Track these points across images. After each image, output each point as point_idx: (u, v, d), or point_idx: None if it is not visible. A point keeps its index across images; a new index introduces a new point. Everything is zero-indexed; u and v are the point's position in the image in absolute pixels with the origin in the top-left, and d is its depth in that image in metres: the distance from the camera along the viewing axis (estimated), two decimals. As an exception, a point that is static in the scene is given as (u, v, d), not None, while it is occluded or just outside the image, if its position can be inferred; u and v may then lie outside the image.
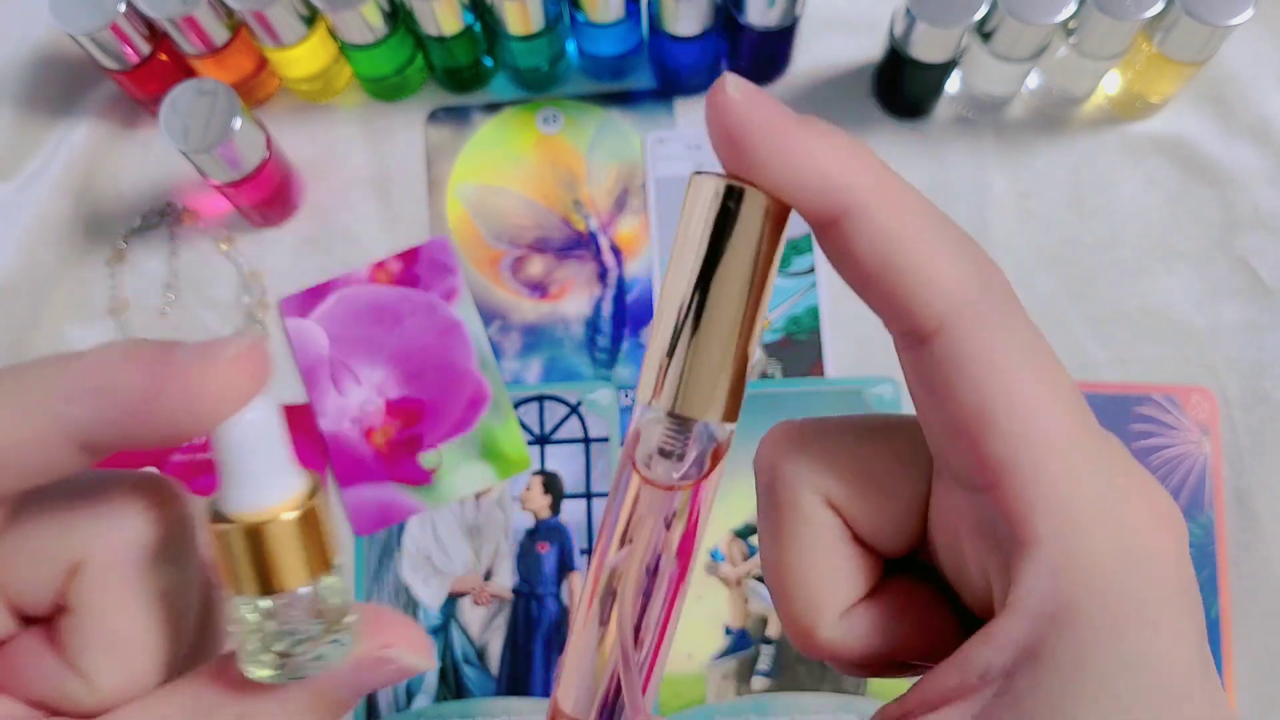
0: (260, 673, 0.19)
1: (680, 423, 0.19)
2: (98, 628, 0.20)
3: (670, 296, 0.18)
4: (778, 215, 0.18)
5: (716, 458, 0.20)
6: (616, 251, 0.56)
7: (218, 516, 0.18)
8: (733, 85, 0.18)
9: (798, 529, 0.21)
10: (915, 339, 0.19)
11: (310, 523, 0.19)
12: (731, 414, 0.19)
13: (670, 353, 0.18)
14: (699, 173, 0.19)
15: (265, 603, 0.18)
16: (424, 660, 0.21)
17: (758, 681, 0.51)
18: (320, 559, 0.19)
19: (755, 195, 0.18)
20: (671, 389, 0.18)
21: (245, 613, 0.19)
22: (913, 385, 0.20)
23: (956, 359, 0.18)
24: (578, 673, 0.20)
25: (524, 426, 0.54)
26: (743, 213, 0.18)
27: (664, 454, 0.19)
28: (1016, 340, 0.19)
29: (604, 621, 0.20)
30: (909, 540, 0.22)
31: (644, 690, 0.20)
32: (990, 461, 0.18)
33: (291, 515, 0.18)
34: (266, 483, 0.19)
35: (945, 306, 0.18)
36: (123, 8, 0.50)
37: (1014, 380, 0.18)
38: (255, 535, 0.18)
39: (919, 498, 0.21)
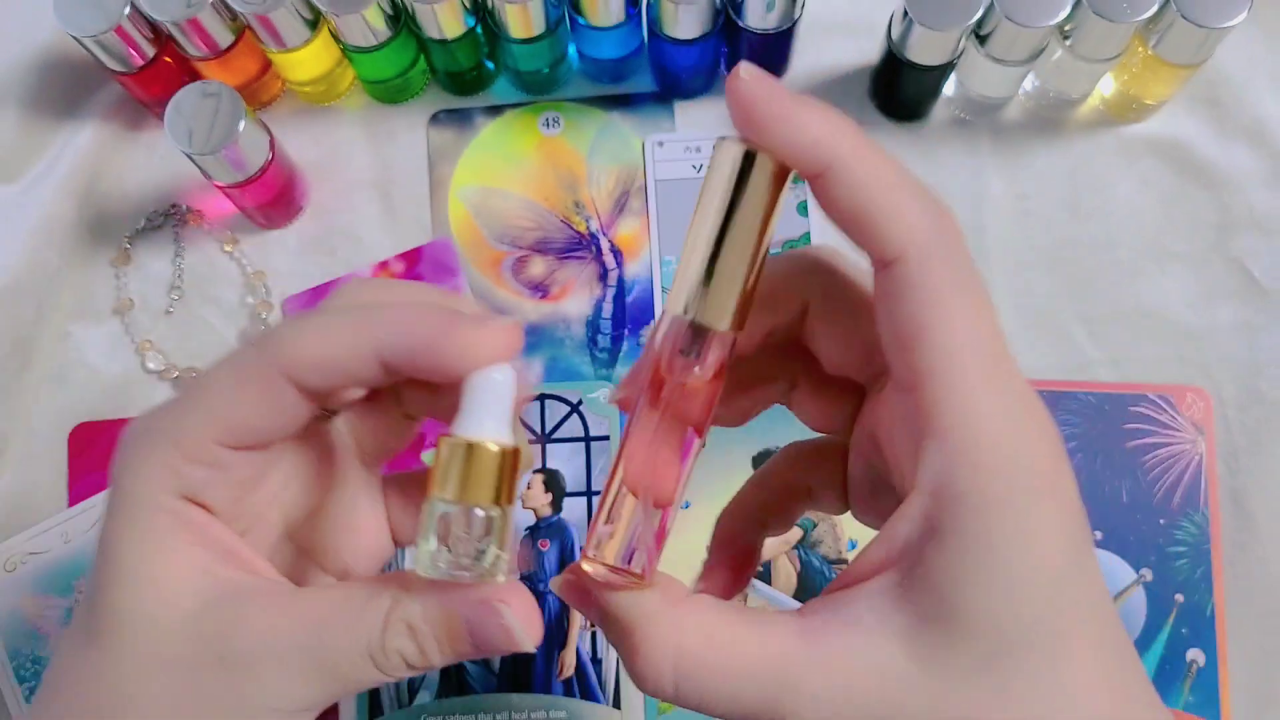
0: (423, 564, 0.24)
1: (700, 330, 0.24)
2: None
3: (698, 232, 0.23)
4: (779, 174, 0.23)
5: (722, 354, 0.24)
6: (617, 252, 0.57)
7: (447, 433, 0.24)
8: (745, 70, 0.23)
9: None
10: (880, 265, 0.24)
11: (506, 463, 0.24)
12: (739, 325, 0.24)
13: (699, 276, 0.23)
14: (723, 138, 0.24)
15: (453, 507, 0.24)
16: (528, 632, 0.26)
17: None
18: (505, 493, 0.24)
19: (764, 158, 0.23)
20: (695, 303, 0.23)
21: (437, 509, 0.24)
22: (877, 302, 0.24)
23: (906, 283, 0.23)
24: (602, 525, 0.25)
25: (525, 425, 0.54)
26: (754, 171, 0.23)
27: (684, 353, 0.24)
28: (956, 276, 0.23)
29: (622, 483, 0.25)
30: None
31: (660, 538, 0.26)
32: (916, 366, 0.23)
33: (495, 448, 0.24)
34: (489, 424, 0.24)
35: (903, 241, 0.23)
36: (127, 10, 0.50)
37: (947, 306, 0.23)
38: (466, 451, 0.24)
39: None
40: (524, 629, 0.26)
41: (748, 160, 0.23)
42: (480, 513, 0.24)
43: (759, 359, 0.29)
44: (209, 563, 0.26)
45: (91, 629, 0.25)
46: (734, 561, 0.32)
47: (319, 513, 0.30)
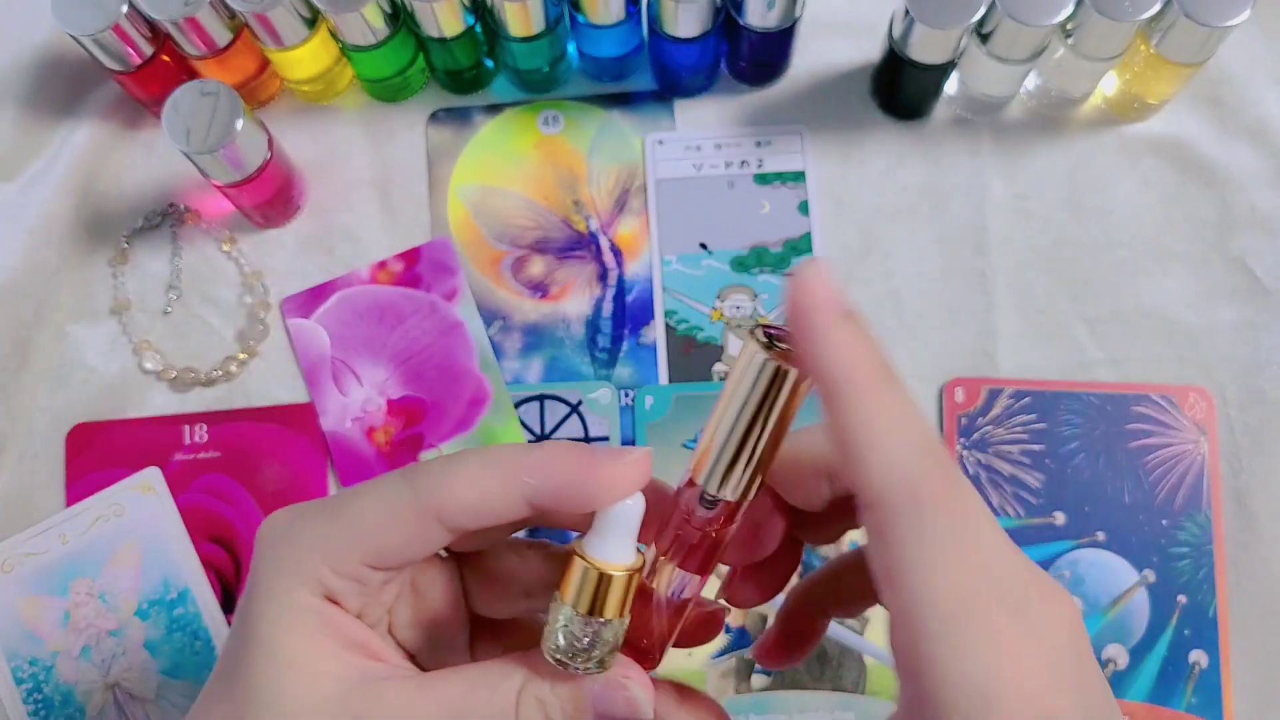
0: (552, 657, 0.27)
1: (714, 498, 0.28)
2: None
3: (722, 418, 0.27)
4: (802, 385, 0.26)
5: (733, 512, 0.28)
6: (617, 252, 0.57)
7: (580, 552, 0.28)
8: (810, 271, 0.25)
9: None
10: (860, 503, 0.25)
11: (627, 585, 0.28)
12: (746, 496, 0.28)
13: (717, 458, 0.27)
14: (759, 328, 0.26)
15: (579, 618, 0.27)
16: (646, 703, 0.29)
17: (757, 679, 0.51)
18: (620, 608, 0.28)
19: (791, 374, 0.25)
20: (715, 479, 0.27)
21: (564, 616, 0.27)
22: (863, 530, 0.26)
23: (876, 531, 0.24)
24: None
25: (525, 426, 0.54)
26: (780, 383, 0.26)
27: (702, 508, 0.28)
28: (932, 533, 0.24)
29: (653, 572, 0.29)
30: None
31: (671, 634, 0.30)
32: (892, 606, 0.24)
33: (622, 575, 0.27)
34: (619, 549, 0.28)
35: (879, 490, 0.24)
36: (125, 9, 0.50)
37: (915, 564, 0.24)
38: (598, 577, 0.27)
39: None
40: (646, 699, 0.29)
41: (777, 375, 0.25)
42: (604, 623, 0.28)
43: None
44: (347, 652, 0.28)
45: (234, 708, 0.28)
46: (794, 638, 0.35)
47: (421, 601, 0.32)
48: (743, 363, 0.26)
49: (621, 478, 0.28)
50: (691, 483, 0.28)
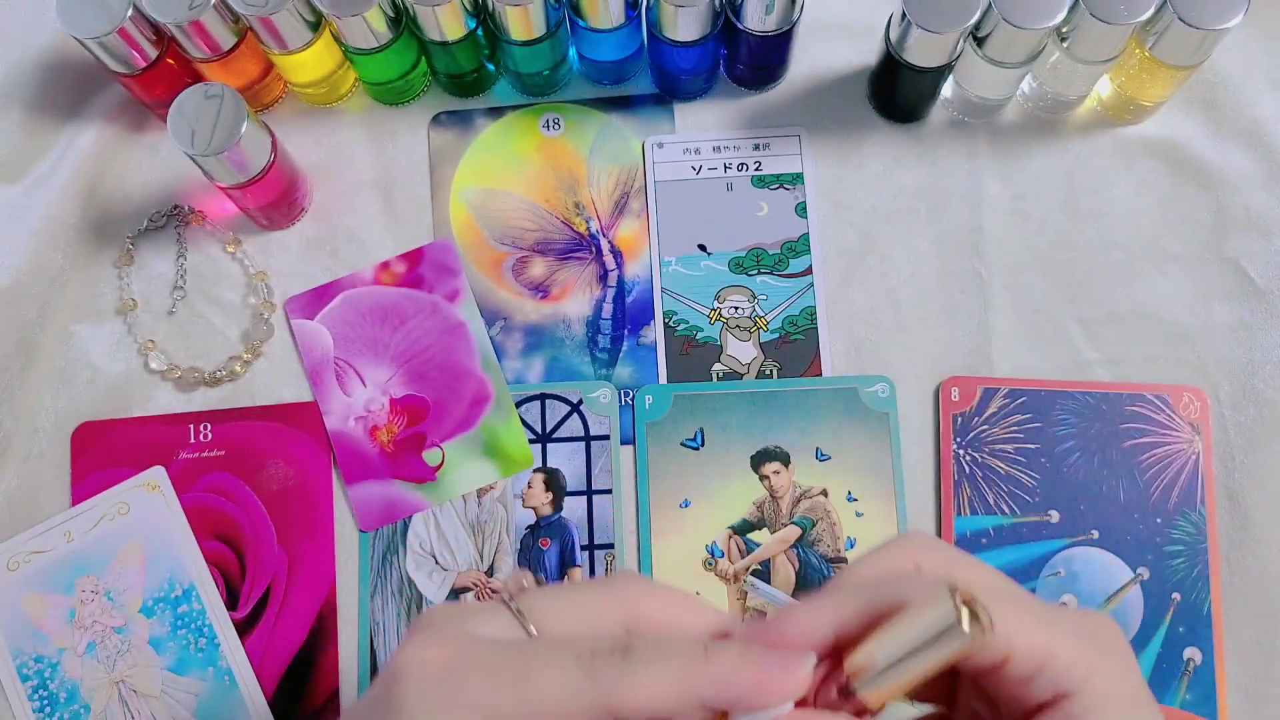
0: None
1: (853, 694, 0.30)
2: None
3: (894, 641, 0.28)
4: (970, 650, 0.27)
5: (861, 713, 0.30)
6: (617, 253, 0.57)
7: None
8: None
9: None
10: (1050, 701, 0.29)
11: None
12: (881, 710, 0.30)
13: (882, 673, 0.29)
14: (958, 595, 0.27)
15: None
16: None
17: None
18: None
19: (978, 644, 0.27)
20: (868, 686, 0.29)
21: None
22: None
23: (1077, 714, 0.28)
24: None
25: (526, 425, 0.55)
26: (962, 649, 0.27)
27: (842, 694, 0.30)
28: (1125, 697, 0.29)
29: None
30: None
31: None
32: None
33: None
34: None
35: (1069, 680, 0.28)
36: (130, 12, 0.50)
37: None
38: None
39: None
40: None
41: (962, 643, 0.27)
42: None
43: None
44: None
45: None
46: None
47: None
48: (936, 616, 0.27)
49: (788, 689, 0.30)
50: (835, 667, 0.30)
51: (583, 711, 0.29)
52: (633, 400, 0.55)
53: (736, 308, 0.56)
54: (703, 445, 0.54)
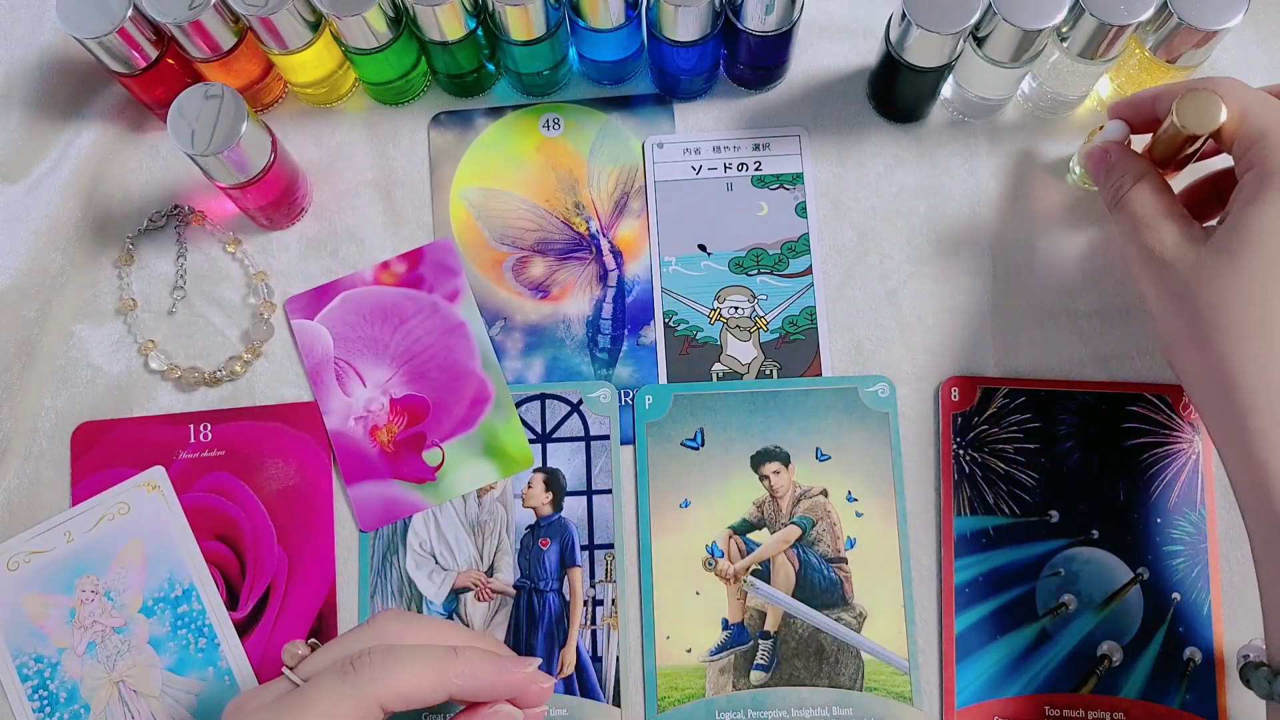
0: None
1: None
2: None
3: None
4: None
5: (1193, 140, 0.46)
6: (617, 253, 0.57)
7: None
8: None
9: None
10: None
11: None
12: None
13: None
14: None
15: None
16: None
17: (755, 675, 0.51)
18: None
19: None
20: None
21: None
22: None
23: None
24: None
25: (526, 425, 0.55)
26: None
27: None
28: None
29: None
30: None
31: None
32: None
33: None
34: None
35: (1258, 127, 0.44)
36: (130, 12, 0.50)
37: None
38: None
39: None
40: None
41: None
42: None
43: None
44: None
45: None
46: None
47: None
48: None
49: (520, 680, 0.40)
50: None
51: (348, 711, 0.37)
52: (633, 400, 0.55)
53: (736, 308, 0.56)
54: (703, 445, 0.54)
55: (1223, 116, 0.44)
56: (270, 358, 0.56)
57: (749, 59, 0.56)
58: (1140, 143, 0.49)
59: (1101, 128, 0.52)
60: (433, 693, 0.38)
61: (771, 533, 0.53)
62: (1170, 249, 0.45)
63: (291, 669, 0.41)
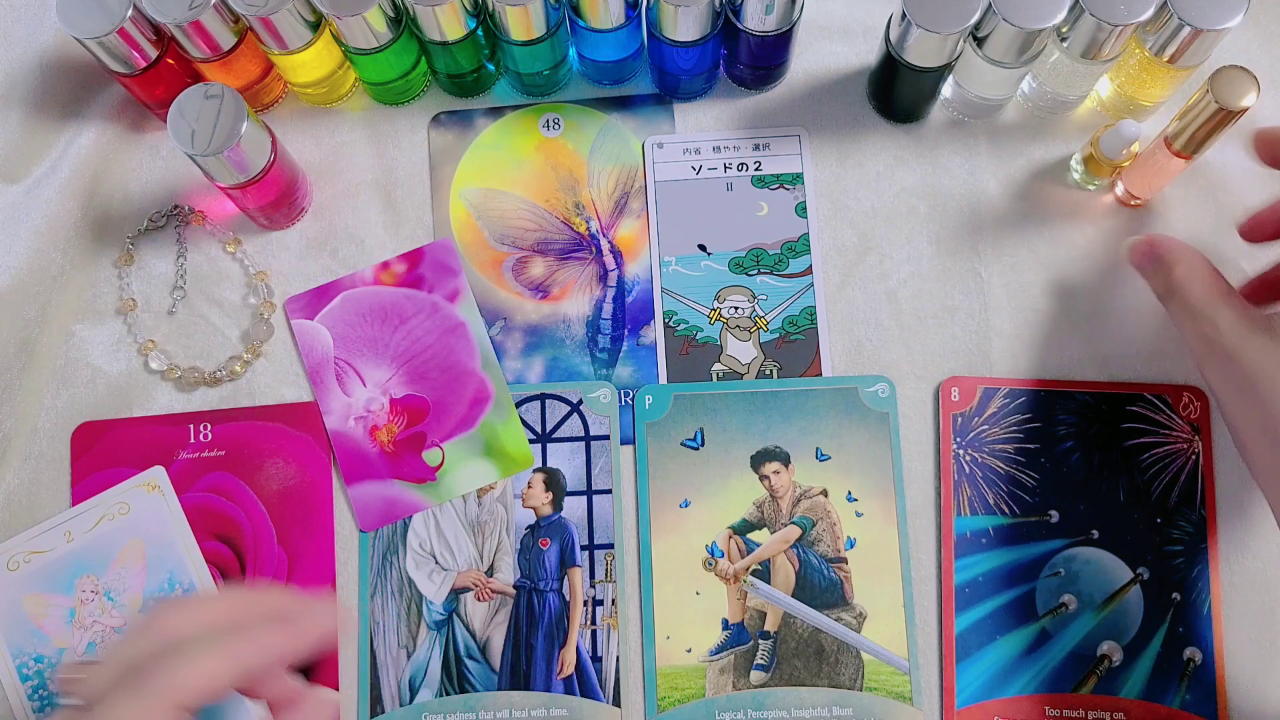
0: None
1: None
2: None
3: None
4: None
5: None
6: (617, 253, 0.57)
7: None
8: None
9: None
10: None
11: None
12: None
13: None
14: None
15: None
16: None
17: (755, 675, 0.51)
18: None
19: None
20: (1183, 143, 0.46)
21: None
22: None
23: None
24: None
25: (526, 425, 0.55)
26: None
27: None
28: None
29: None
30: None
31: None
32: None
33: None
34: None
35: None
36: (130, 12, 0.50)
37: None
38: None
39: None
40: None
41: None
42: None
43: None
44: None
45: None
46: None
47: None
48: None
49: (312, 635, 0.40)
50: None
51: (155, 712, 0.35)
52: (633, 400, 0.55)
53: (736, 308, 0.56)
54: (703, 445, 0.54)
55: (1255, 95, 0.46)
56: (270, 358, 0.56)
57: (749, 59, 0.56)
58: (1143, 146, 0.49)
59: (1106, 127, 0.52)
60: (232, 680, 0.37)
61: (771, 533, 0.53)
62: (1229, 338, 0.44)
63: (70, 695, 0.38)
